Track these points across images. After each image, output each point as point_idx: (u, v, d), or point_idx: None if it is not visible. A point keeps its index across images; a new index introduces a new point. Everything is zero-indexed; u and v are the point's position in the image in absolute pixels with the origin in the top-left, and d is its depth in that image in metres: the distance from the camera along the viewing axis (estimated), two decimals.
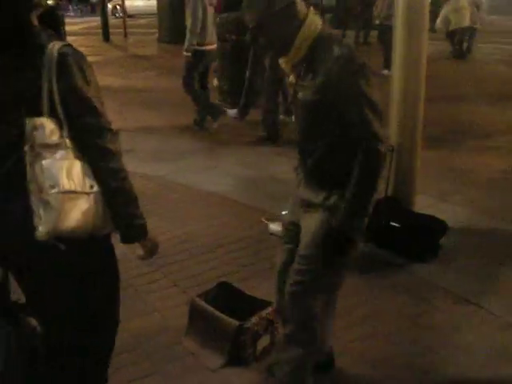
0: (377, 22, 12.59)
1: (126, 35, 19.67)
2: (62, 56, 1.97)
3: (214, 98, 9.08)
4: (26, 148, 1.94)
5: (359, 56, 2.35)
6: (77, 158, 2.00)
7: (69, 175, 1.95)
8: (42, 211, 1.92)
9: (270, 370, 2.90)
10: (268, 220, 4.72)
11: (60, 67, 1.96)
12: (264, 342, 3.10)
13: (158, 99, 9.95)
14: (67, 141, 1.99)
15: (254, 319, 3.02)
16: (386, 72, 10.80)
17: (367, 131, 2.30)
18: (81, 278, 2.14)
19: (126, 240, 2.16)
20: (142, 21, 26.35)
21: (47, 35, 2.04)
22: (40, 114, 1.96)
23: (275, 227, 4.54)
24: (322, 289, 2.64)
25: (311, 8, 2.42)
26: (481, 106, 9.21)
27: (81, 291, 2.15)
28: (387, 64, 11.19)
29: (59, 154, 1.96)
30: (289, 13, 2.35)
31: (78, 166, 1.99)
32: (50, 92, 1.96)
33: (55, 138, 1.96)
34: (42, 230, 1.93)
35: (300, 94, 2.44)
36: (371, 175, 2.36)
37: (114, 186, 2.04)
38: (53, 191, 1.92)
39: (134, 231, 2.16)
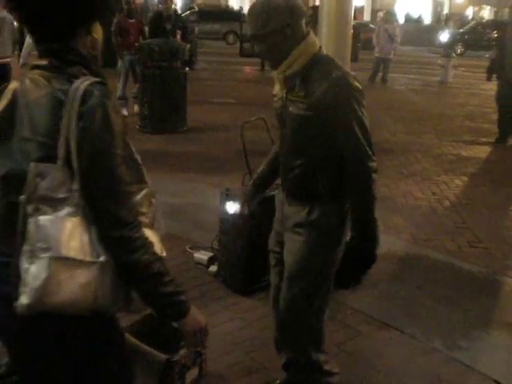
0: None
1: None
2: (88, 94, 1.62)
3: (135, 124, 9.00)
4: (23, 198, 1.58)
5: (354, 81, 2.48)
6: (85, 218, 1.63)
7: (70, 238, 1.59)
8: (29, 278, 1.57)
9: None
10: (193, 249, 4.69)
11: (83, 107, 1.61)
12: (192, 374, 3.06)
13: None
14: (77, 196, 1.61)
15: (182, 352, 2.97)
16: None
17: (357, 153, 2.47)
18: (75, 361, 1.78)
19: (160, 318, 1.88)
20: None
21: (82, 67, 1.73)
22: (52, 158, 1.61)
23: (200, 256, 4.52)
24: (318, 304, 2.79)
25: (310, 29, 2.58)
26: (397, 132, 9.56)
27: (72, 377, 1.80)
28: None
29: (64, 211, 1.60)
30: (283, 33, 2.47)
31: (83, 229, 1.62)
32: (67, 133, 1.61)
33: (63, 192, 1.60)
34: (22, 301, 1.57)
35: (291, 108, 2.55)
36: (366, 192, 2.50)
37: (124, 258, 1.67)
38: (44, 255, 1.56)
39: (161, 311, 1.81)
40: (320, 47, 2.59)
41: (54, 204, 1.59)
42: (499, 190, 7.03)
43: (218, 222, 4.29)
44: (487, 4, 36.82)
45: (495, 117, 9.73)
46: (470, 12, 39.17)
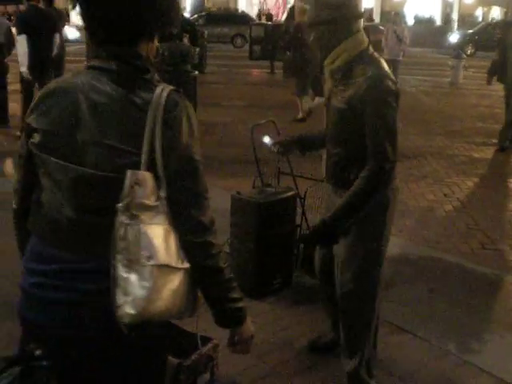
0: None
1: None
2: (172, 102, 1.63)
3: None
4: (121, 206, 1.55)
5: (390, 82, 2.64)
6: (171, 225, 1.63)
7: (166, 246, 1.59)
8: (131, 287, 1.54)
9: None
10: None
11: (168, 115, 1.61)
12: (204, 379, 3.04)
13: None
14: (165, 204, 1.62)
15: (193, 357, 2.95)
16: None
17: (379, 152, 2.62)
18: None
19: (218, 324, 1.86)
20: None
21: (156, 74, 1.72)
22: (135, 165, 1.59)
23: None
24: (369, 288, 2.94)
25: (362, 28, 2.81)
26: (407, 134, 9.52)
27: None
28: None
29: (158, 218, 1.60)
30: (330, 26, 2.71)
31: (173, 236, 1.63)
32: (152, 141, 1.59)
33: (153, 199, 1.60)
34: (127, 310, 1.54)
35: (333, 100, 2.79)
36: (367, 192, 2.67)
37: (204, 263, 1.69)
38: (149, 263, 1.55)
39: (225, 315, 1.83)
40: (368, 46, 2.78)
41: (149, 212, 1.58)
42: (510, 191, 6.98)
43: (228, 226, 4.28)
44: (496, 5, 36.67)
45: None
46: (479, 13, 39.02)
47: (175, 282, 1.61)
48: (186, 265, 1.65)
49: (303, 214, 4.52)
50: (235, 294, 1.80)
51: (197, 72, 9.56)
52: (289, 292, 4.24)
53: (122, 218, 1.55)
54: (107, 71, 1.66)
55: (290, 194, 4.31)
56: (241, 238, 4.16)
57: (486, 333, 3.80)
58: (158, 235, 1.57)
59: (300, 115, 10.52)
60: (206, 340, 3.10)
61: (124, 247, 1.54)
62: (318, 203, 4.60)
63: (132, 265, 1.54)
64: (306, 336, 3.66)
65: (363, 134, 2.64)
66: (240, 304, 1.83)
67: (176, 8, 1.76)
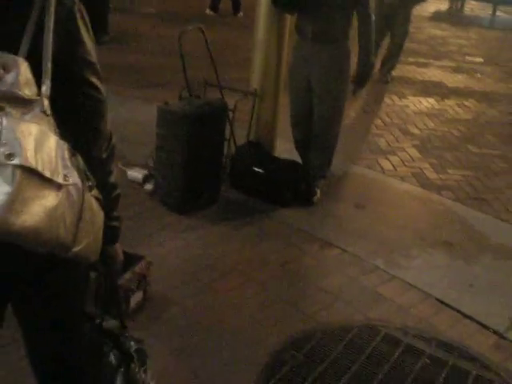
0: None
1: None
2: (68, 5, 1.44)
3: None
4: None
5: None
6: (54, 133, 1.33)
7: (38, 149, 1.26)
8: None
9: None
10: (126, 166, 4.45)
11: (61, 9, 1.41)
12: (137, 297, 2.92)
13: None
14: (46, 102, 1.33)
15: (126, 275, 2.81)
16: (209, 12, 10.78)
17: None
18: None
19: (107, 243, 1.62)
20: None
21: None
22: (13, 51, 1.33)
23: (135, 174, 4.30)
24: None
25: None
26: None
27: None
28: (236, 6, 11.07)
29: (30, 116, 1.29)
30: None
31: (53, 142, 1.31)
32: (37, 28, 1.36)
33: (29, 93, 1.31)
34: None
35: None
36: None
37: (109, 180, 1.58)
38: (10, 162, 1.21)
39: (113, 234, 1.69)
40: None
41: (20, 106, 1.29)
42: None
43: (151, 138, 4.06)
44: None
45: None
46: None
47: (50, 199, 1.26)
48: (72, 181, 1.32)
49: (231, 128, 4.37)
50: (116, 212, 1.68)
51: None
52: (216, 207, 4.13)
53: None
54: None
55: (219, 105, 4.13)
56: (168, 150, 3.95)
57: (413, 249, 3.87)
58: (28, 133, 1.25)
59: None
60: (138, 258, 2.97)
61: None
62: (247, 116, 4.46)
63: None
64: (236, 252, 3.59)
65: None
66: (120, 223, 1.72)
67: None
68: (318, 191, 4.33)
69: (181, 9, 11.14)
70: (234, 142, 4.47)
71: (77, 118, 1.47)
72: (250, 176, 4.29)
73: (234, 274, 3.38)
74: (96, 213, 1.41)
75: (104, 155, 1.56)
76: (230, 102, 4.29)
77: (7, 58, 1.29)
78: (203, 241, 3.67)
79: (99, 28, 8.46)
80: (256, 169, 4.30)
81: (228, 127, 4.30)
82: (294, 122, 4.41)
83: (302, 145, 4.46)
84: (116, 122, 5.91)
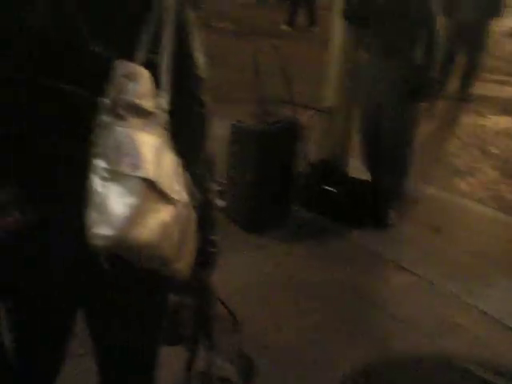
0: None
1: None
2: (184, 14, 1.37)
3: None
4: (107, 101, 1.22)
5: None
6: (170, 147, 1.29)
7: (157, 162, 1.23)
8: (108, 202, 1.18)
9: None
10: None
11: (182, 25, 1.36)
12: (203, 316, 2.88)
13: None
14: (164, 116, 1.28)
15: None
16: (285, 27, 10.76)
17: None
18: None
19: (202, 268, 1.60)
20: None
21: None
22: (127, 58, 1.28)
23: None
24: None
25: None
26: None
27: None
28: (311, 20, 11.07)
29: (151, 128, 1.25)
30: None
31: (170, 157, 1.28)
32: (153, 36, 1.29)
33: (149, 105, 1.26)
34: (103, 230, 1.17)
35: None
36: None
37: (210, 200, 1.51)
38: (134, 173, 1.18)
39: (210, 259, 1.64)
40: None
41: (142, 117, 1.24)
42: None
43: (225, 154, 4.05)
44: None
45: None
46: None
47: (164, 214, 1.23)
48: (184, 199, 1.29)
49: (304, 144, 4.31)
50: (215, 236, 1.64)
51: None
52: (286, 226, 4.07)
53: (104, 116, 1.22)
54: None
55: (292, 123, 4.09)
56: (239, 168, 3.94)
57: (491, 276, 3.69)
58: (149, 145, 1.23)
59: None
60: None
61: (101, 153, 1.20)
62: (319, 134, 4.40)
63: (111, 175, 1.19)
64: (305, 273, 3.52)
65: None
66: (216, 249, 1.67)
67: None
68: (392, 212, 4.21)
69: (257, 24, 11.23)
70: (306, 160, 4.40)
71: (181, 134, 1.37)
72: (321, 195, 4.22)
73: (303, 296, 3.30)
74: (195, 232, 1.38)
75: (205, 173, 1.49)
76: (303, 118, 4.24)
77: (130, 66, 1.25)
78: (272, 260, 3.62)
79: None
80: (328, 188, 4.22)
81: (300, 144, 4.25)
82: (363, 140, 4.30)
83: (372, 164, 4.32)
84: None
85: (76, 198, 1.21)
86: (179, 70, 1.34)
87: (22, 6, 1.22)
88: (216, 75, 6.62)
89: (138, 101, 1.24)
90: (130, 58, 1.26)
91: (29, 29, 1.22)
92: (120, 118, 1.21)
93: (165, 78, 1.30)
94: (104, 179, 1.18)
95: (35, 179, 1.31)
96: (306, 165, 4.42)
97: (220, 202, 4.16)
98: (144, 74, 1.25)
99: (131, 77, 1.24)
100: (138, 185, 1.18)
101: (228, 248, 3.65)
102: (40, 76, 1.25)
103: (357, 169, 4.54)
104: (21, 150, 1.29)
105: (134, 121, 1.23)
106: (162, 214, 1.23)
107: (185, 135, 1.39)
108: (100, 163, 1.19)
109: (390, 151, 4.10)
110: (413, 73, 3.87)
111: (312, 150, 4.44)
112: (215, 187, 1.56)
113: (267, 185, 3.93)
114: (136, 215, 1.18)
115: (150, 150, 1.22)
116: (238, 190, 3.95)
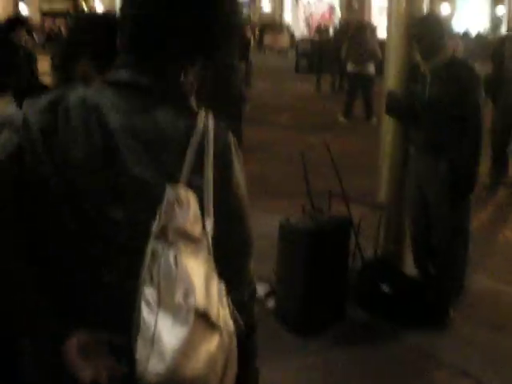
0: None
1: None
2: (221, 132, 1.36)
3: None
4: (155, 227, 1.22)
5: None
6: (214, 272, 1.29)
7: (206, 290, 1.22)
8: (159, 334, 1.15)
9: None
10: None
11: (219, 146, 1.34)
12: None
13: None
14: (210, 242, 1.28)
15: None
16: (341, 119, 10.97)
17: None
18: None
19: None
20: None
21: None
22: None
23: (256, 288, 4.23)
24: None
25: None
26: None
27: None
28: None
29: (198, 255, 1.24)
30: None
31: (216, 283, 1.27)
32: (195, 159, 1.29)
33: (197, 230, 1.26)
34: (154, 367, 1.14)
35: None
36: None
37: (251, 325, 1.44)
38: (188, 304, 1.16)
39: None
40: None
41: (190, 244, 1.24)
42: None
43: (274, 251, 3.98)
44: None
45: None
46: None
47: (213, 343, 1.20)
48: (231, 328, 1.28)
49: (357, 242, 4.21)
50: (256, 362, 1.54)
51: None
52: (340, 327, 3.91)
53: (154, 243, 1.21)
54: (134, 88, 1.35)
55: (343, 220, 4.01)
56: (288, 267, 3.86)
57: None
58: (199, 273, 1.21)
59: None
60: None
61: (151, 280, 1.19)
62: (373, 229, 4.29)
63: (162, 304, 1.16)
64: (358, 380, 3.34)
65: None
66: (257, 376, 1.57)
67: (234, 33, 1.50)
68: (451, 311, 4.00)
69: (314, 117, 11.36)
70: (361, 257, 4.28)
71: (222, 256, 1.33)
72: (376, 295, 4.06)
73: None
74: (236, 359, 1.33)
75: (246, 298, 1.43)
76: (356, 213, 4.16)
77: (180, 191, 1.25)
78: (322, 367, 3.46)
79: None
80: (383, 288, 4.07)
81: (353, 241, 4.15)
82: (412, 238, 4.18)
83: (422, 262, 4.16)
84: None
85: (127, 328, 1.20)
86: (220, 191, 1.33)
87: None
88: (267, 168, 6.77)
89: (188, 227, 1.23)
90: (176, 181, 1.27)
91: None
92: (170, 244, 1.21)
93: (208, 201, 1.29)
94: (154, 307, 1.17)
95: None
96: (359, 262, 4.30)
97: (270, 303, 4.07)
98: (192, 199, 1.25)
99: (181, 202, 1.24)
100: (189, 314, 1.16)
101: (275, 350, 3.59)
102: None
103: (413, 265, 4.38)
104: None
105: (184, 247, 1.22)
106: (210, 345, 1.21)
107: (228, 259, 1.36)
108: (149, 291, 1.17)
109: (443, 249, 3.96)
110: (459, 169, 3.74)
111: (366, 246, 4.32)
112: (255, 311, 1.50)
113: (318, 284, 3.82)
114: (187, 348, 1.16)
115: (199, 277, 1.21)
116: (288, 290, 3.86)
